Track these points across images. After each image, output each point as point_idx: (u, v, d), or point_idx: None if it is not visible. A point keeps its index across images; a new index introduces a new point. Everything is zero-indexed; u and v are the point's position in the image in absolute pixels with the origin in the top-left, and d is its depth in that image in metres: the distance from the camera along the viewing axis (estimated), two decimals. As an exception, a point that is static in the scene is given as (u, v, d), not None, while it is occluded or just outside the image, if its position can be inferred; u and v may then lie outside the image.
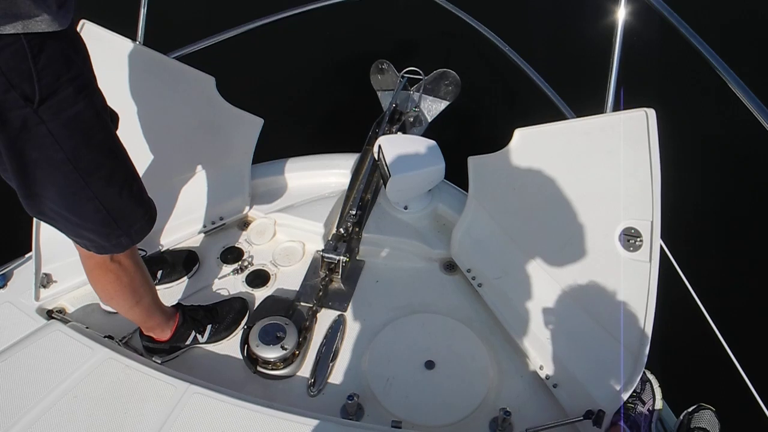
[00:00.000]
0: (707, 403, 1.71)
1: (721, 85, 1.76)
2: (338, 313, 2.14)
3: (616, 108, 2.11)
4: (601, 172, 1.80)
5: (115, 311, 2.13)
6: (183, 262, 2.26)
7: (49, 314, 2.10)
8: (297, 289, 2.23)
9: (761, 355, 2.00)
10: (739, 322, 2.46)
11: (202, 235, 2.44)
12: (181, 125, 2.19)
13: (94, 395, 1.69)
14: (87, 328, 2.00)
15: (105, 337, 1.98)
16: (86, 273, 1.71)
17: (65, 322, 1.99)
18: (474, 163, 2.15)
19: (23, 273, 2.18)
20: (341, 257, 2.20)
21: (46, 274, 2.14)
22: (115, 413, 1.65)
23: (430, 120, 2.98)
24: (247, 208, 2.49)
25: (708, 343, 1.92)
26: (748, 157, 3.70)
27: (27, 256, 2.21)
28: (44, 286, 2.13)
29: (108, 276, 1.66)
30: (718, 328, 1.91)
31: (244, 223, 2.50)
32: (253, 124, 2.36)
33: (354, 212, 2.35)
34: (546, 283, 1.95)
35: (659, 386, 1.79)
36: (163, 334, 1.93)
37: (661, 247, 1.73)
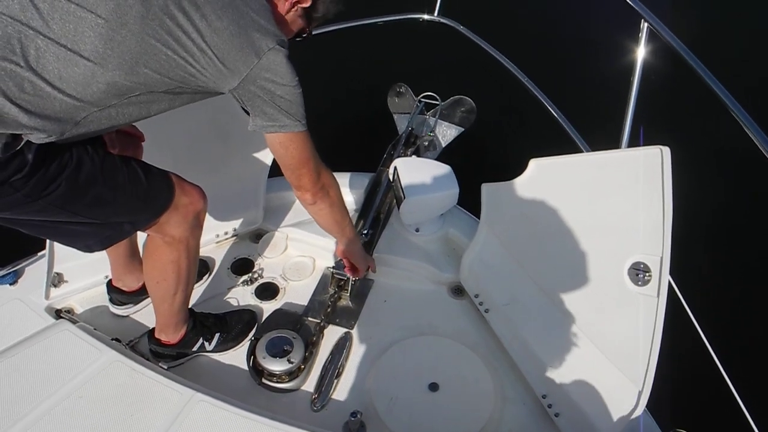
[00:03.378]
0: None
1: (736, 127, 1.78)
2: (345, 330, 2.15)
3: (632, 144, 2.13)
4: (613, 206, 1.82)
5: (124, 314, 2.15)
6: (195, 270, 2.29)
7: (58, 314, 2.11)
8: (305, 303, 2.25)
9: (763, 392, 1.99)
10: (745, 360, 2.46)
11: (214, 244, 2.46)
12: (200, 135, 2.22)
13: (99, 397, 1.70)
14: (95, 329, 2.01)
15: (112, 339, 1.99)
16: (148, 252, 1.81)
17: (74, 322, 1.99)
18: (487, 190, 2.17)
19: (34, 271, 2.20)
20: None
21: (57, 274, 2.16)
22: (119, 416, 1.65)
23: (444, 145, 3.02)
24: (261, 220, 2.51)
25: (711, 380, 1.92)
26: (761, 199, 3.72)
27: (39, 254, 2.23)
28: (55, 286, 2.15)
29: (172, 255, 1.76)
30: (722, 366, 1.91)
31: (256, 236, 2.52)
32: None
33: (366, 231, 2.37)
34: (553, 313, 1.96)
35: None
36: (174, 336, 1.95)
37: (670, 283, 1.74)
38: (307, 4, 1.58)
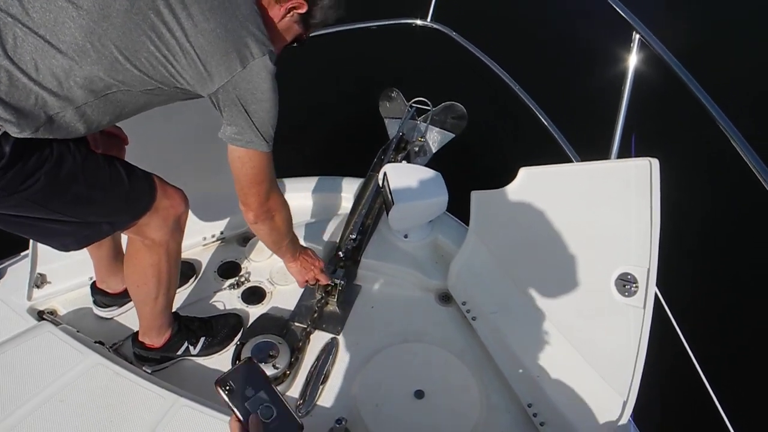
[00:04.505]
0: None
1: (723, 139, 1.79)
2: (332, 336, 2.14)
3: (622, 153, 2.14)
4: (602, 216, 1.82)
5: (108, 317, 2.13)
6: (180, 273, 2.26)
7: (41, 315, 2.09)
8: (292, 308, 2.23)
9: (746, 405, 2.01)
10: (729, 371, 2.48)
11: (201, 247, 2.45)
12: (188, 137, 2.21)
13: (81, 401, 1.68)
14: (78, 331, 1.99)
15: (96, 342, 1.97)
16: (128, 255, 1.79)
17: (56, 324, 1.97)
18: (477, 197, 2.17)
19: (17, 271, 2.18)
20: (338, 280, 2.20)
21: (40, 274, 2.14)
22: (101, 421, 1.64)
23: (434, 151, 3.01)
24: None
25: (696, 391, 1.94)
26: (747, 210, 3.75)
27: (22, 254, 2.21)
28: (38, 287, 2.13)
29: (152, 258, 1.74)
30: (707, 377, 1.93)
31: (243, 239, 2.51)
32: None
33: (354, 236, 2.36)
34: (540, 322, 1.96)
35: None
36: (158, 339, 1.93)
37: (656, 294, 1.75)
38: (303, 10, 1.53)
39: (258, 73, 1.38)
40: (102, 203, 1.55)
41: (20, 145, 1.30)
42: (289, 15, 1.54)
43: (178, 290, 2.20)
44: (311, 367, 2.02)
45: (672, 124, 4.13)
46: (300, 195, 2.62)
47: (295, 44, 1.65)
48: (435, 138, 3.05)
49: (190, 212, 2.30)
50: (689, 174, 3.55)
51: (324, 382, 1.98)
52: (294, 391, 1.96)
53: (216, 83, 1.38)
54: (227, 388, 1.19)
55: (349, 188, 2.63)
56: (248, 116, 1.43)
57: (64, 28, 1.28)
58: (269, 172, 1.60)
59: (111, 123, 1.48)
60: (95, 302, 2.13)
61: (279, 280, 2.33)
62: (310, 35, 1.66)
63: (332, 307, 2.23)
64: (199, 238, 2.43)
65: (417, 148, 2.95)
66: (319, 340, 2.12)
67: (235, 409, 1.18)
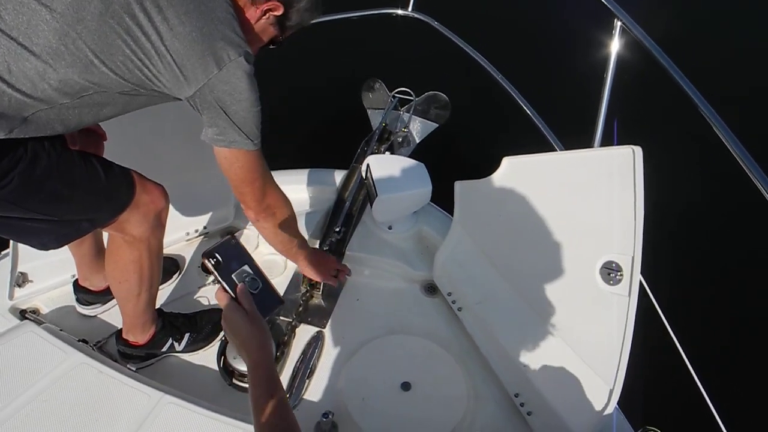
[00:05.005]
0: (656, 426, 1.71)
1: (705, 127, 1.80)
2: (317, 329, 2.14)
3: (605, 141, 2.14)
4: (586, 205, 1.82)
5: (91, 314, 2.11)
6: (163, 269, 2.24)
7: (23, 314, 2.07)
8: None
9: (731, 391, 2.03)
10: (713, 358, 2.50)
11: (185, 242, 2.42)
12: (170, 132, 2.18)
13: (64, 401, 1.66)
14: (61, 330, 1.97)
15: (79, 341, 1.94)
16: (109, 251, 1.78)
17: (39, 323, 1.95)
18: (461, 187, 2.16)
19: None
20: None
21: (21, 273, 2.11)
22: (85, 420, 1.62)
23: (418, 141, 3.01)
24: (232, 218, 2.48)
25: (681, 378, 1.95)
26: (730, 197, 3.78)
27: (3, 253, 2.18)
28: (19, 285, 2.11)
29: (133, 254, 1.73)
30: (691, 364, 1.94)
31: (227, 233, 2.48)
32: None
33: (338, 229, 2.35)
34: (526, 311, 1.96)
35: None
36: (142, 336, 1.92)
37: (641, 282, 1.75)
38: (279, 12, 1.52)
39: (234, 73, 1.37)
40: (79, 201, 1.53)
41: None
42: (264, 17, 1.53)
43: (161, 286, 2.19)
44: (297, 362, 2.01)
45: (654, 111, 4.15)
46: (283, 188, 2.51)
47: (271, 46, 1.63)
48: (418, 128, 3.05)
49: (172, 208, 2.28)
50: (672, 161, 3.57)
51: (310, 376, 1.98)
52: (280, 385, 1.95)
53: (193, 87, 1.37)
54: (214, 260, 1.20)
55: (332, 180, 2.61)
56: (228, 117, 1.42)
57: (37, 31, 1.26)
58: (260, 170, 1.59)
59: (91, 123, 1.47)
60: (78, 300, 2.11)
61: (263, 275, 2.31)
62: (287, 36, 1.64)
63: (317, 300, 2.23)
64: (182, 234, 2.41)
65: (400, 139, 2.95)
66: (304, 334, 2.12)
67: (222, 281, 1.19)
